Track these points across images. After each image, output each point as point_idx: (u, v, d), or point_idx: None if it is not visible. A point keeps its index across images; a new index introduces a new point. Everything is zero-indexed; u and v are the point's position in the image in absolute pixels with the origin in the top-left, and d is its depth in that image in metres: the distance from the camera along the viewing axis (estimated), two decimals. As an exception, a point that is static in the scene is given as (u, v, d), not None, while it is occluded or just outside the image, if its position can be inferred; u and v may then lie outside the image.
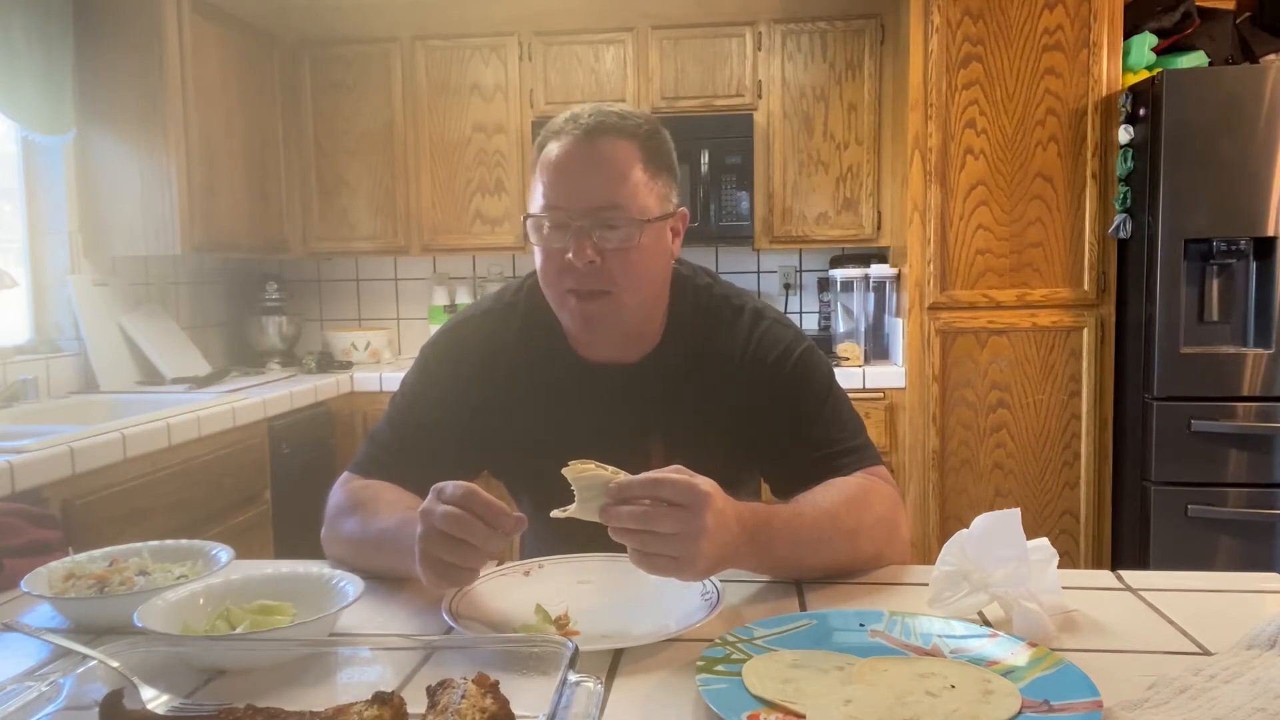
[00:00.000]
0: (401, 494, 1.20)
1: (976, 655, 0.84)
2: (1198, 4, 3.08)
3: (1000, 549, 0.94)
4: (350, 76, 3.67)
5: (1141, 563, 2.87)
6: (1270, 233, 2.76)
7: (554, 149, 1.18)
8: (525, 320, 1.31)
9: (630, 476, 0.92)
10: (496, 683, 0.69)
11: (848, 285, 3.52)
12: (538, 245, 1.20)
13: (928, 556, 1.56)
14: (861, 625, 0.92)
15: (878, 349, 3.55)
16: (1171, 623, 0.95)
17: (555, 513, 0.94)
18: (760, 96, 3.49)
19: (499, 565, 1.13)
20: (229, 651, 0.85)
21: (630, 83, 3.53)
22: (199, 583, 0.99)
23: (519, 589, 1.06)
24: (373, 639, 0.95)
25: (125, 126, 3.00)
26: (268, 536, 2.90)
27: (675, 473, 0.92)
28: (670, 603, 0.99)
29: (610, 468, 0.93)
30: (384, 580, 1.09)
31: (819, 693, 0.76)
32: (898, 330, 3.35)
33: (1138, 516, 2.93)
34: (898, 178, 3.31)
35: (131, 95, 2.98)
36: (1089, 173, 3.01)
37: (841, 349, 3.43)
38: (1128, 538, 3.00)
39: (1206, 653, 0.87)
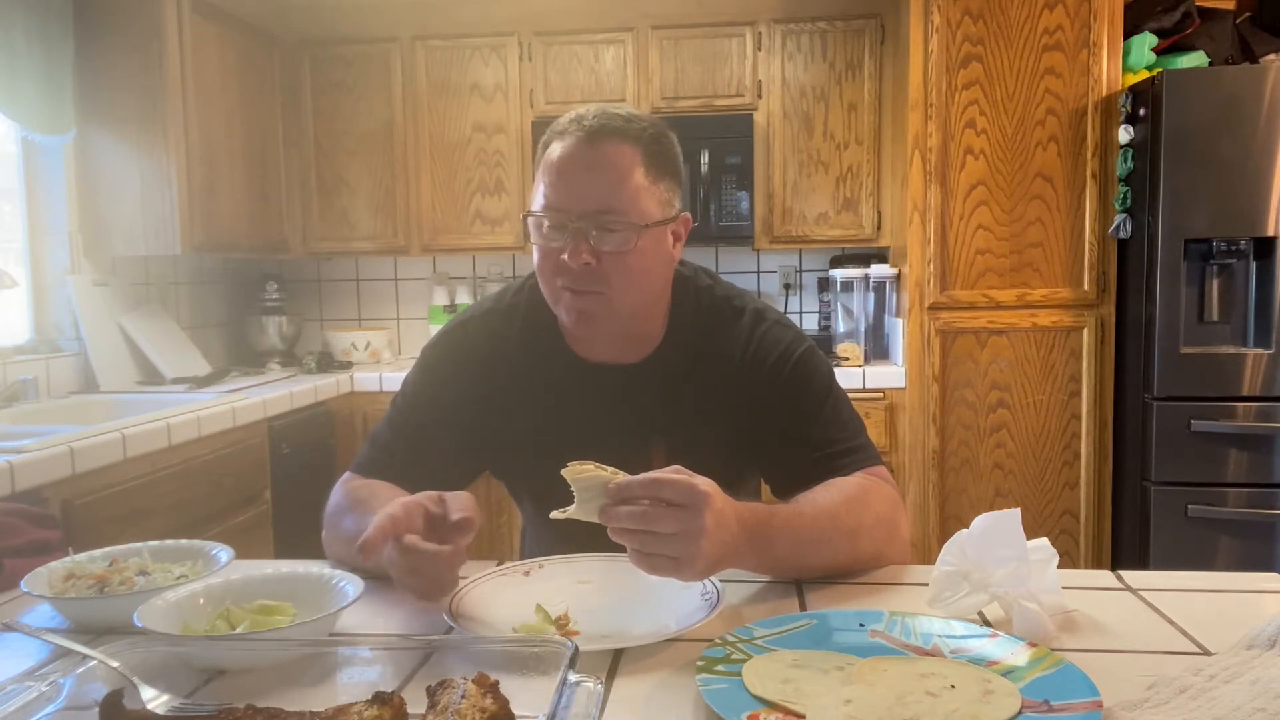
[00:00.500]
0: (400, 494, 1.20)
1: (976, 655, 0.84)
2: (1198, 4, 3.07)
3: (1000, 549, 0.94)
4: (350, 76, 3.67)
5: (1141, 563, 2.87)
6: (1270, 233, 2.76)
7: (557, 149, 1.18)
8: (526, 321, 1.32)
9: (630, 477, 0.92)
10: (496, 683, 0.69)
11: (848, 285, 3.52)
12: (536, 243, 1.21)
13: (928, 556, 1.56)
14: (861, 625, 0.92)
15: (878, 349, 3.55)
16: (1171, 623, 0.95)
17: (555, 513, 0.94)
18: (760, 96, 3.49)
19: (499, 565, 1.13)
20: (229, 651, 0.85)
21: (630, 83, 3.53)
22: (199, 583, 0.99)
23: (519, 589, 1.06)
24: (373, 639, 0.95)
25: (125, 126, 3.00)
26: (268, 536, 2.90)
27: (674, 473, 0.92)
28: (670, 603, 0.99)
29: (609, 468, 0.93)
30: (384, 580, 1.09)
31: (819, 693, 0.76)
32: (898, 330, 3.35)
33: (1138, 516, 2.93)
34: (898, 178, 3.31)
35: (131, 95, 2.98)
36: (1089, 173, 3.01)
37: (841, 349, 3.43)
38: (1128, 538, 3.00)
39: (1206, 653, 0.87)
